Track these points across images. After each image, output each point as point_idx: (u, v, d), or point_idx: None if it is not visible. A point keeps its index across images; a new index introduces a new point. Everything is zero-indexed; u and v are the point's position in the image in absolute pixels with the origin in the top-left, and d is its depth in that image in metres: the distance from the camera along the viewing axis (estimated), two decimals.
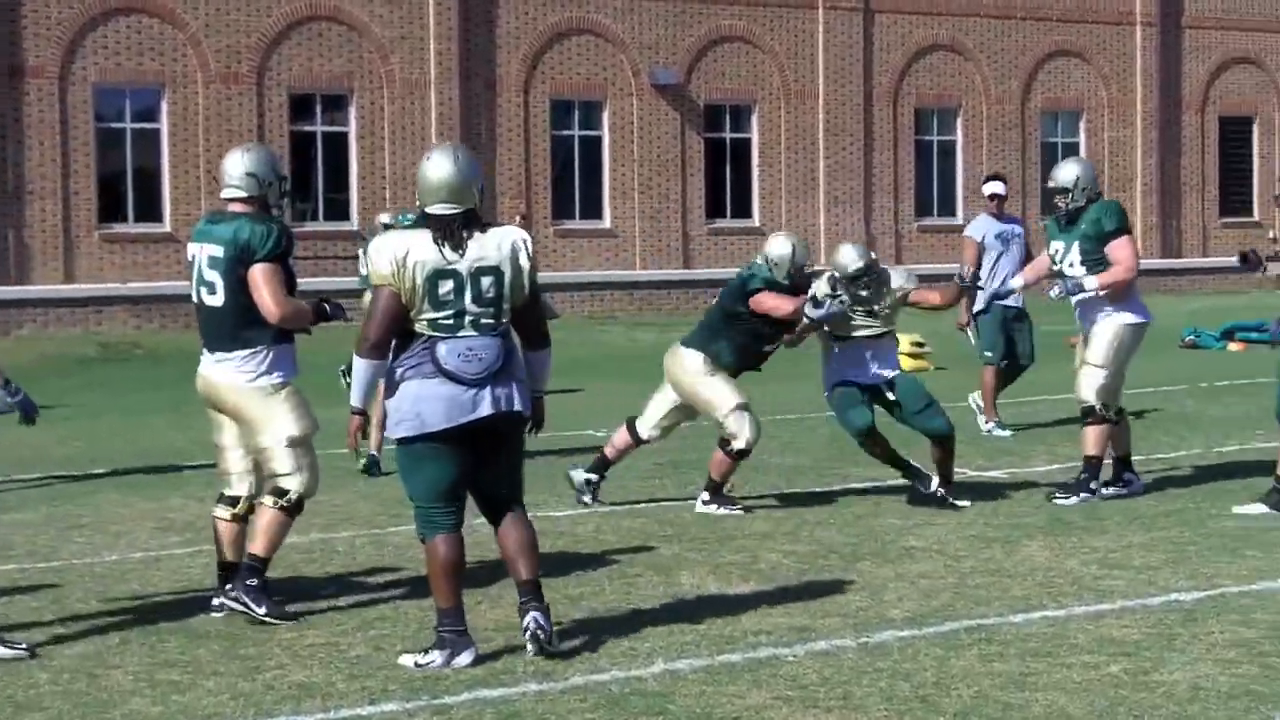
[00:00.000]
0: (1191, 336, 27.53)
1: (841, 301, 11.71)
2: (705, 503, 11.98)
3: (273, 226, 8.89)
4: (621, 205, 35.76)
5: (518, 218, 33.62)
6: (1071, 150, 40.37)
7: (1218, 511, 11.61)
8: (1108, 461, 12.58)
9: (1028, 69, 40.36)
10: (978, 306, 15.48)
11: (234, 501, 9.09)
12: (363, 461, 14.20)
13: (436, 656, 7.84)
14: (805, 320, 11.74)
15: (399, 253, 7.77)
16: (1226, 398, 19.07)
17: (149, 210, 31.87)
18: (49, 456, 15.54)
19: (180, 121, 31.95)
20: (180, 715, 7.23)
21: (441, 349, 7.77)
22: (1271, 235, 43.26)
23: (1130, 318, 12.13)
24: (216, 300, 8.89)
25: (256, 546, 8.96)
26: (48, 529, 11.91)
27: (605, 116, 35.95)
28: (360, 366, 7.95)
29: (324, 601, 9.41)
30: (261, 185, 9.03)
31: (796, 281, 11.93)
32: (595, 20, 35.63)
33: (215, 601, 9.09)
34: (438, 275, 7.73)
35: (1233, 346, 27.11)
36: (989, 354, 16.26)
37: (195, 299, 8.99)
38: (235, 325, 8.87)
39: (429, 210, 7.87)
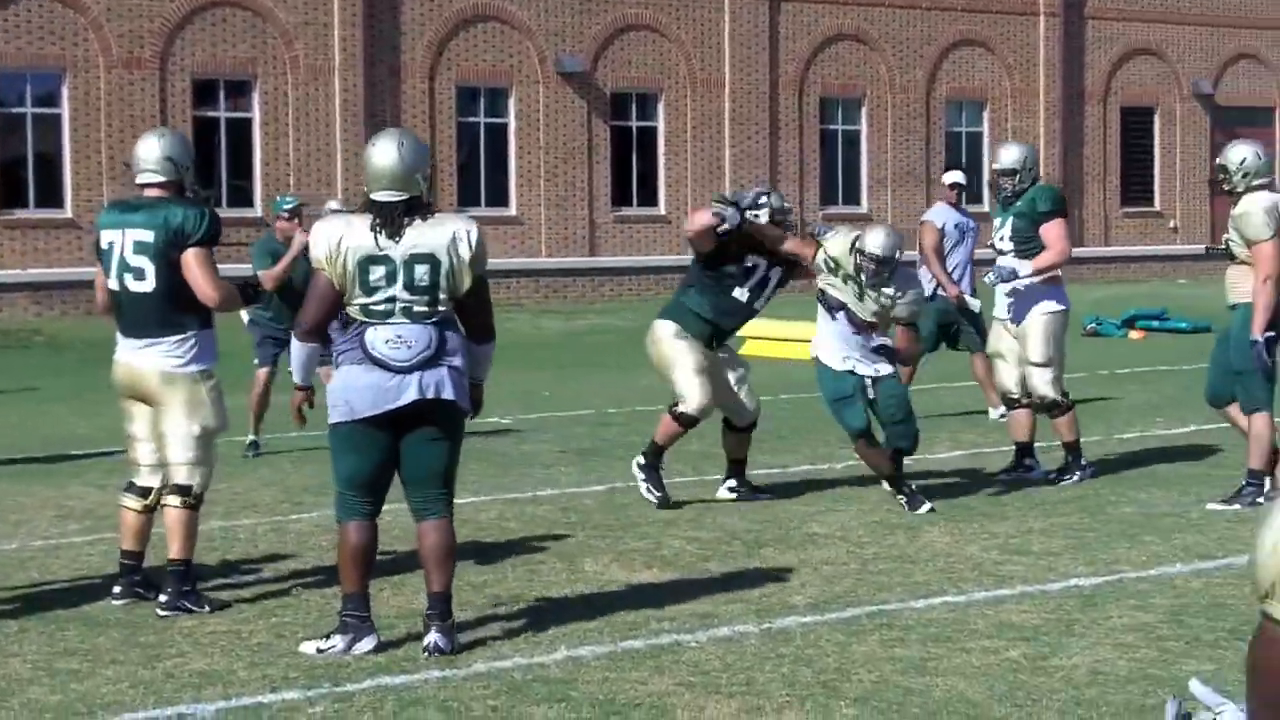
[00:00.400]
0: (1093, 325, 27.77)
1: (756, 208, 11.44)
2: (640, 465, 11.76)
3: (204, 210, 8.89)
4: (527, 193, 35.71)
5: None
6: (975, 140, 40.66)
7: (1117, 498, 11.73)
8: (1010, 449, 12.70)
9: (932, 59, 40.55)
10: (927, 293, 15.12)
11: (145, 492, 9.01)
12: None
13: (338, 642, 7.82)
14: (716, 219, 11.42)
15: (334, 238, 7.74)
16: (1127, 385, 19.25)
17: (50, 196, 31.55)
18: None
19: (82, 107, 31.65)
20: (79, 704, 7.17)
21: (370, 334, 7.72)
22: (1172, 225, 43.70)
23: (1053, 305, 12.39)
24: (145, 286, 8.77)
25: (177, 551, 8.86)
26: None
27: (511, 104, 35.87)
28: (296, 348, 8.08)
29: (225, 589, 9.36)
30: (179, 170, 8.97)
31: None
32: (501, 7, 35.54)
33: (117, 589, 9.02)
34: (369, 261, 7.68)
35: (1133, 335, 27.39)
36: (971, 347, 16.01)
37: (116, 286, 8.83)
38: (166, 310, 8.80)
39: (373, 196, 7.81)
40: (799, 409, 16.98)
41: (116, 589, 9.02)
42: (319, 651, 7.79)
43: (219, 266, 8.94)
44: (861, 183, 39.49)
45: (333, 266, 7.73)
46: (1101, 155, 42.88)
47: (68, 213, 31.51)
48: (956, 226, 16.29)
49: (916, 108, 40.21)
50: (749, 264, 11.76)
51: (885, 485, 11.62)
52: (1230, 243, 11.37)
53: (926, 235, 16.08)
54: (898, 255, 11.33)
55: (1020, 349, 12.42)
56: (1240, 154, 11.45)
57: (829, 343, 11.65)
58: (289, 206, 15.10)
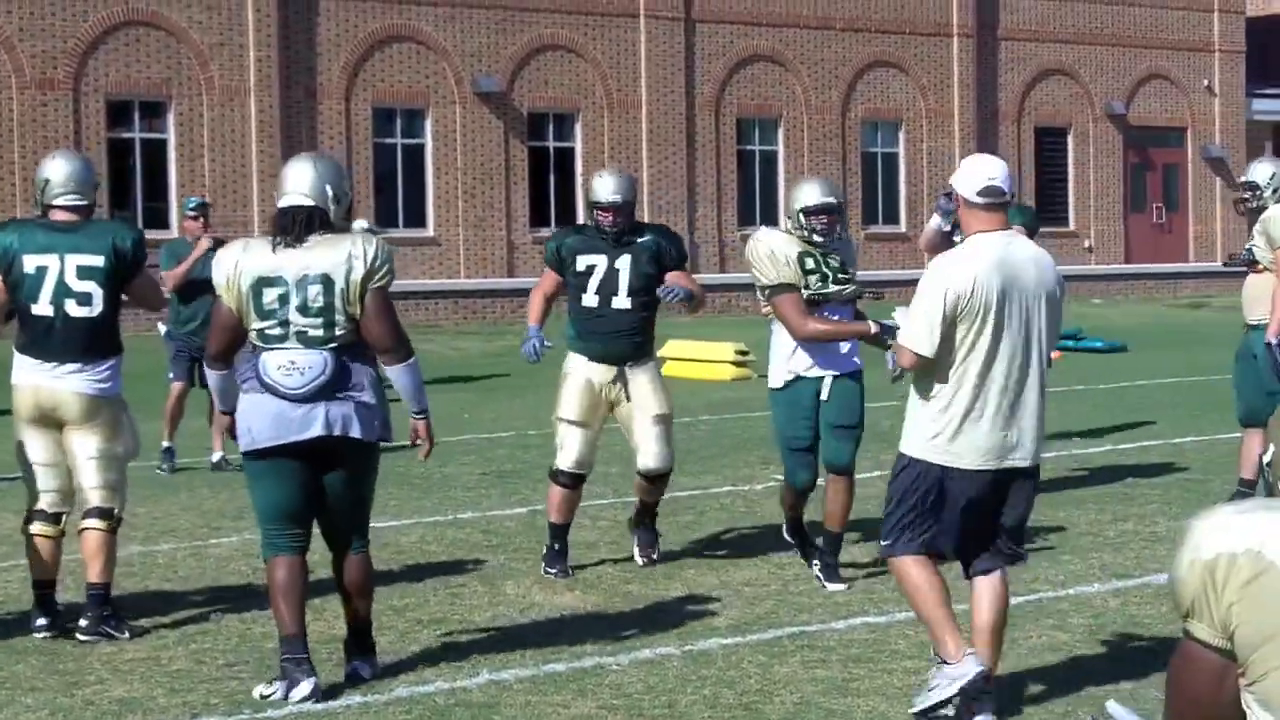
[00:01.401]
0: None
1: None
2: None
3: (140, 232, 9.04)
4: (445, 213, 35.66)
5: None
6: (891, 160, 40.88)
7: (1035, 517, 11.79)
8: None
9: (847, 79, 40.75)
10: None
11: (56, 519, 8.94)
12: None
13: (278, 688, 7.53)
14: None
15: (230, 263, 7.59)
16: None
17: None
18: None
19: None
20: None
21: (264, 360, 7.53)
22: (1087, 244, 44.04)
23: None
24: (89, 311, 8.73)
25: (98, 574, 8.81)
26: None
27: (428, 124, 35.83)
28: (210, 376, 7.97)
29: (144, 616, 9.30)
30: (94, 192, 8.98)
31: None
32: (416, 28, 35.50)
33: (41, 621, 8.89)
34: (262, 283, 7.49)
35: (1053, 355, 27.50)
36: None
37: (48, 311, 8.71)
38: (103, 335, 8.82)
39: (279, 204, 7.64)
40: (719, 430, 17.04)
41: (41, 620, 8.90)
42: (262, 698, 7.52)
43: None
44: (778, 203, 39.62)
45: (230, 291, 7.58)
46: (1016, 175, 43.10)
47: None
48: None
49: (832, 128, 40.40)
50: (583, 266, 10.27)
51: (796, 551, 10.22)
52: (1254, 249, 11.57)
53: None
54: (835, 200, 9.85)
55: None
56: (1268, 170, 11.99)
57: (779, 364, 9.87)
58: (194, 206, 15.28)
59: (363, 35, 34.85)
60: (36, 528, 8.93)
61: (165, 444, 14.98)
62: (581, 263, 10.19)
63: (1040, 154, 43.72)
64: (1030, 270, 7.15)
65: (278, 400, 7.48)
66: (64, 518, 8.95)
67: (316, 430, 7.46)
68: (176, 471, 14.81)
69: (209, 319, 14.56)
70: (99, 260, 8.73)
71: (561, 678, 7.77)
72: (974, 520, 7.12)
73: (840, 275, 9.68)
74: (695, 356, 24.59)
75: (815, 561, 9.86)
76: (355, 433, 7.51)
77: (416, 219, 35.64)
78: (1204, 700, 3.49)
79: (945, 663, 6.97)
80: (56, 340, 8.75)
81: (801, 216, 9.71)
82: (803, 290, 9.56)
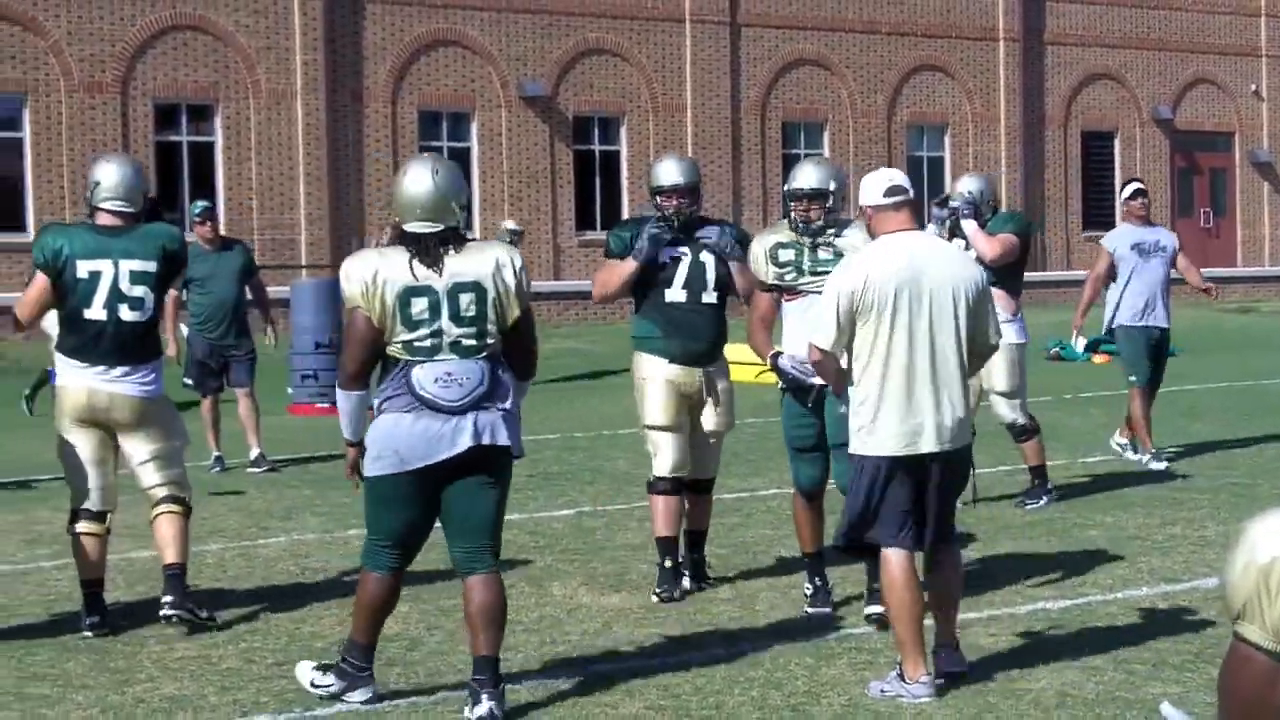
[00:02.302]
0: (1056, 349, 27.88)
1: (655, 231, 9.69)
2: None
3: (184, 236, 9.21)
4: (491, 217, 35.69)
5: (388, 230, 33.45)
6: (937, 164, 40.81)
7: (1083, 521, 11.78)
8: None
9: (893, 83, 40.70)
10: (1108, 317, 14.66)
11: (102, 517, 9.01)
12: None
13: (334, 683, 7.40)
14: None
15: (368, 272, 7.13)
16: (1091, 409, 19.34)
17: (11, 219, 31.46)
18: None
19: (43, 130, 31.57)
20: None
21: (418, 373, 7.10)
22: None
23: (1015, 338, 12.62)
24: (141, 315, 8.85)
25: (176, 555, 8.92)
26: None
27: (474, 128, 35.90)
28: (341, 399, 7.38)
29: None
30: (142, 199, 9.06)
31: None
32: (462, 32, 35.58)
33: (94, 619, 8.93)
34: (409, 293, 7.08)
35: (1097, 359, 27.45)
36: (1133, 377, 14.60)
37: (101, 315, 8.79)
38: (150, 338, 8.98)
39: (406, 228, 7.24)
40: (767, 433, 17.03)
41: (91, 619, 8.94)
42: (313, 685, 7.43)
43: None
44: None
45: (370, 302, 7.09)
46: (1063, 180, 43.05)
47: (29, 236, 31.37)
48: (1134, 248, 14.57)
49: (878, 132, 40.34)
50: (666, 259, 9.80)
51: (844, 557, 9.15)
52: None
53: (1099, 261, 15.05)
54: (832, 187, 9.42)
55: (984, 379, 12.38)
56: None
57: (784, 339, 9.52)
58: (200, 210, 15.40)
59: (409, 39, 34.93)
60: (83, 526, 9.00)
61: (215, 453, 15.12)
62: (664, 254, 9.74)
63: (1087, 159, 43.58)
64: (939, 264, 7.56)
65: (425, 416, 7.09)
66: (109, 516, 9.02)
67: (466, 441, 7.11)
68: (226, 471, 14.96)
69: (230, 316, 14.86)
70: (151, 265, 8.84)
71: (609, 678, 7.77)
72: (908, 506, 7.56)
73: (821, 269, 8.96)
74: (743, 360, 24.56)
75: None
76: (503, 440, 7.19)
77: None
78: (1255, 703, 3.48)
79: (905, 677, 7.44)
80: (107, 344, 8.82)
81: (789, 201, 9.40)
82: (777, 281, 9.23)
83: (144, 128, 32.47)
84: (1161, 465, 14.24)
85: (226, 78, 33.21)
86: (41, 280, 8.84)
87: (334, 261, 33.22)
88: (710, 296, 9.73)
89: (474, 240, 7.40)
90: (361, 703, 7.33)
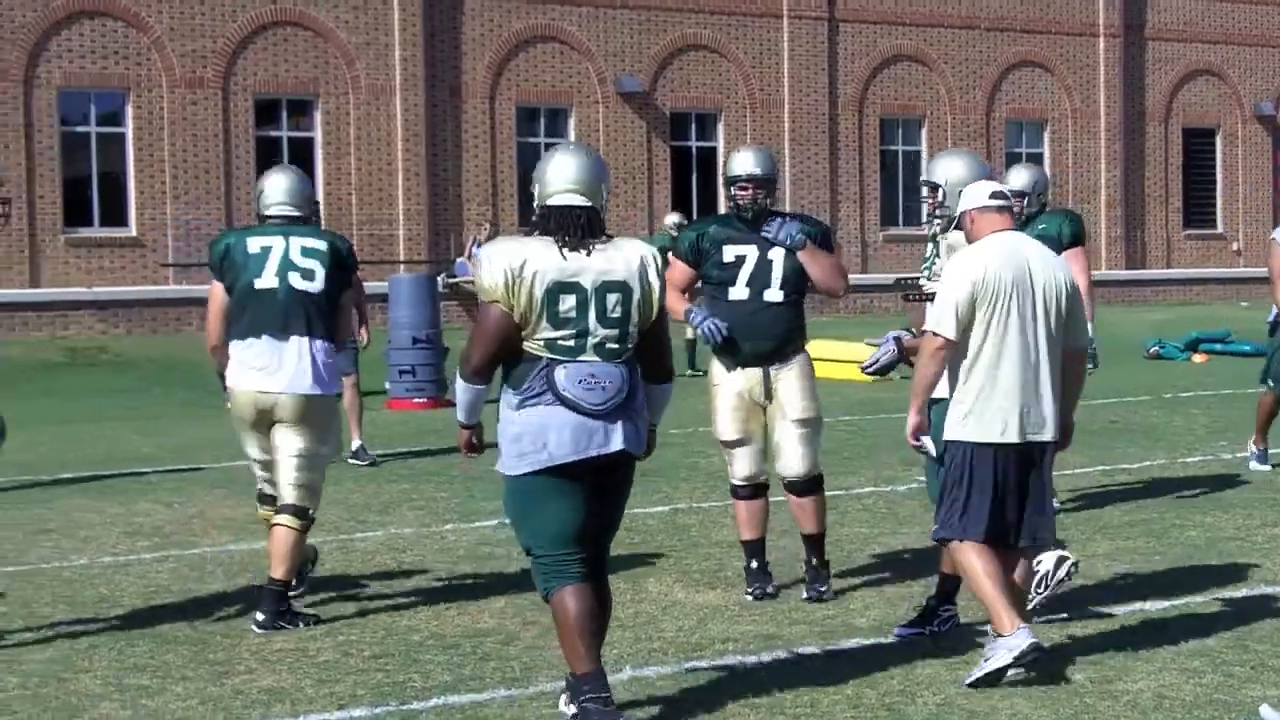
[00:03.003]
0: (1156, 348, 27.67)
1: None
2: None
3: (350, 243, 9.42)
4: None
5: (486, 226, 33.60)
6: (1036, 161, 40.53)
7: (1182, 522, 11.69)
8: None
9: (992, 79, 40.49)
10: (1275, 313, 13.83)
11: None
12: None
13: None
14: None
15: (514, 263, 6.79)
16: (1190, 409, 19.18)
17: (114, 214, 31.76)
18: (15, 461, 15.49)
19: (145, 125, 31.86)
20: (149, 719, 7.26)
21: (560, 374, 6.81)
22: (1235, 247, 43.47)
23: None
24: (312, 286, 9.06)
25: (283, 572, 9.00)
26: (14, 533, 11.88)
27: (571, 124, 35.98)
28: (461, 390, 7.02)
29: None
30: (311, 206, 9.39)
31: None
32: (560, 28, 35.65)
33: (268, 616, 8.96)
34: (559, 289, 6.78)
35: (1196, 358, 27.24)
36: (1272, 383, 13.91)
37: (274, 284, 8.99)
38: (326, 315, 9.11)
39: (552, 201, 6.94)
40: (861, 429, 17.00)
41: (267, 615, 8.96)
42: None
43: None
44: (921, 204, 39.34)
45: (513, 296, 6.77)
46: (1163, 177, 42.70)
47: (132, 231, 31.71)
48: None
49: (977, 128, 40.14)
50: (731, 257, 9.51)
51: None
52: None
53: (1273, 255, 13.69)
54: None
55: None
56: None
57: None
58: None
59: (507, 35, 35.03)
60: (278, 518, 9.16)
61: (358, 443, 15.40)
62: (729, 253, 9.41)
63: (1188, 155, 43.20)
64: (1040, 262, 7.85)
65: (572, 413, 6.81)
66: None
67: (618, 443, 6.86)
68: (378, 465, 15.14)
69: None
70: (321, 244, 9.11)
71: (703, 674, 7.77)
72: (1005, 495, 7.77)
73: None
74: (836, 357, 24.51)
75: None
76: (637, 450, 6.99)
77: None
78: None
79: (1000, 635, 7.56)
80: (279, 313, 8.98)
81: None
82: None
83: (244, 123, 32.72)
84: (1265, 467, 14.03)
85: (326, 73, 33.42)
86: (217, 290, 9.20)
87: (431, 257, 33.38)
88: (775, 294, 9.37)
89: (616, 236, 7.12)
90: None
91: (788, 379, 9.43)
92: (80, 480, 14.55)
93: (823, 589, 9.40)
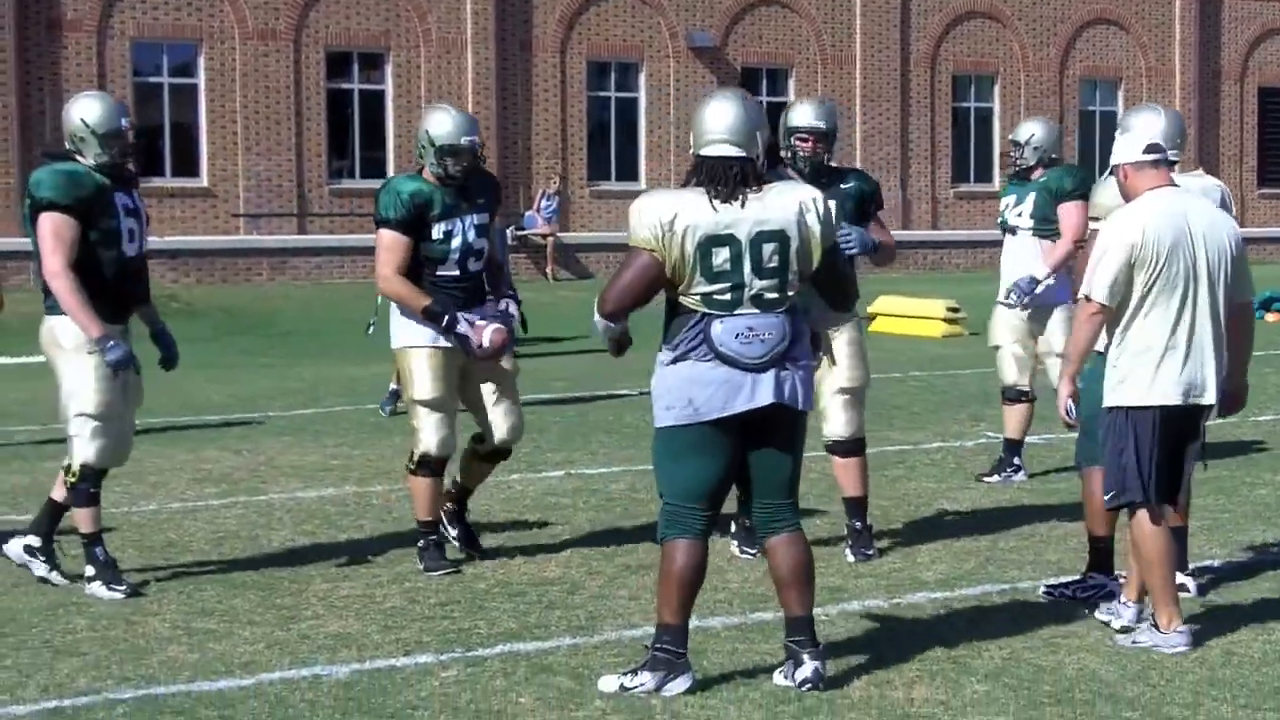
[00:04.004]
0: None
1: None
2: None
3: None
4: (657, 167, 35.71)
5: (555, 179, 33.62)
6: (1110, 119, 40.26)
7: (1252, 480, 11.61)
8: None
9: (1066, 36, 40.19)
10: None
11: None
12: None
13: (648, 679, 6.77)
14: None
15: (665, 215, 6.65)
16: (1262, 369, 19.00)
17: (186, 165, 31.88)
18: None
19: (217, 77, 31.96)
20: (217, 663, 7.28)
21: (717, 328, 6.67)
22: None
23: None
24: (481, 265, 9.21)
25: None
26: None
27: (642, 78, 35.90)
28: (604, 328, 6.96)
29: (359, 554, 9.46)
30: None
31: None
32: None
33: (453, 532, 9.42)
34: (711, 242, 6.63)
35: (1269, 317, 27.02)
36: None
37: (456, 271, 9.07)
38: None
39: (704, 152, 6.79)
40: (930, 385, 16.92)
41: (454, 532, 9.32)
42: (623, 689, 6.77)
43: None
44: (993, 161, 39.19)
45: (665, 249, 6.64)
46: (1238, 135, 42.33)
47: (203, 181, 31.83)
48: None
49: (1050, 86, 39.86)
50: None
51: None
52: None
53: None
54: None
55: (1034, 340, 11.69)
56: None
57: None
58: None
59: None
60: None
61: (393, 386, 15.28)
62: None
63: (1263, 115, 42.79)
64: (1204, 217, 7.54)
65: (722, 367, 6.68)
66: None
67: (767, 396, 6.69)
68: (396, 415, 15.06)
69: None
70: (485, 218, 9.25)
71: (768, 626, 7.75)
72: (1168, 457, 7.51)
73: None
74: (907, 313, 24.44)
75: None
76: (799, 404, 6.81)
77: (629, 172, 35.75)
78: None
79: (1156, 627, 7.44)
80: (455, 298, 9.06)
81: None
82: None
83: (316, 75, 32.77)
84: None
85: (397, 26, 33.43)
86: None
87: (501, 210, 33.35)
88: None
89: (777, 181, 6.94)
90: (683, 691, 6.76)
91: (838, 343, 9.34)
92: (150, 430, 14.62)
93: (869, 551, 9.32)
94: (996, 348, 11.95)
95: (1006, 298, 11.62)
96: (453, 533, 9.36)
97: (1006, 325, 11.82)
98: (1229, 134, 42.13)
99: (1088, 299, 7.44)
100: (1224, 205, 8.56)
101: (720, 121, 6.80)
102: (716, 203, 6.66)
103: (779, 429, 6.82)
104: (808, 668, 6.77)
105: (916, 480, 11.76)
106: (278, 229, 31.88)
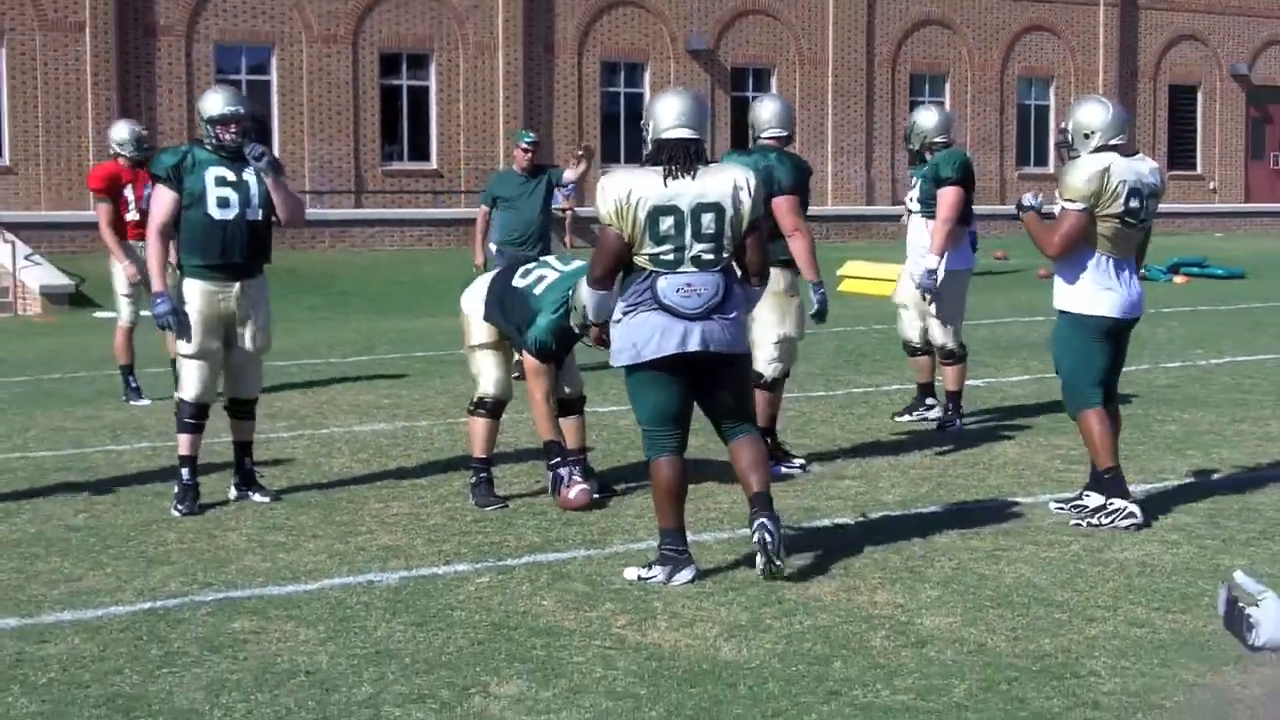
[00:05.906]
0: (1142, 270, 27.34)
1: None
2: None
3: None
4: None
5: (580, 150, 33.47)
6: (1043, 112, 40.12)
7: (1163, 418, 11.55)
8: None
9: (1006, 41, 39.98)
10: None
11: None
12: None
13: (659, 572, 6.98)
14: None
15: (621, 193, 6.89)
16: (1170, 322, 18.97)
17: None
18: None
19: (288, 75, 31.81)
20: (286, 571, 7.26)
21: (662, 283, 6.89)
22: (1212, 186, 42.95)
23: (956, 264, 11.18)
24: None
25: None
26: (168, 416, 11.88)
27: (647, 76, 35.73)
28: (588, 294, 7.20)
29: (407, 479, 9.42)
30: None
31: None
32: None
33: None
34: (658, 211, 6.85)
35: (1177, 279, 26.98)
36: None
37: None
38: None
39: (667, 135, 6.98)
40: (889, 337, 16.85)
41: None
42: (640, 579, 6.97)
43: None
44: None
45: (622, 221, 6.88)
46: (1152, 127, 42.15)
47: None
48: None
49: (992, 84, 39.67)
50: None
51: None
52: None
53: None
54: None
55: (923, 302, 11.29)
56: None
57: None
58: (528, 141, 14.28)
59: None
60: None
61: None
62: None
63: (1173, 109, 42.65)
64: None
65: (663, 317, 6.88)
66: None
67: (695, 345, 6.88)
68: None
69: (537, 232, 14.18)
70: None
71: (752, 541, 7.70)
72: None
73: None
74: (871, 275, 24.36)
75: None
76: (727, 349, 6.99)
77: (636, 156, 35.47)
78: None
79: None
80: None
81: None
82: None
83: (370, 74, 32.62)
84: None
85: (440, 31, 33.26)
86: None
87: None
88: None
89: (715, 163, 7.14)
90: (689, 580, 6.94)
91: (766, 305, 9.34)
92: None
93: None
94: (903, 306, 11.65)
95: (920, 290, 11.11)
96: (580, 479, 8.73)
97: (907, 291, 11.57)
98: (1144, 125, 41.92)
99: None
100: (1160, 182, 8.57)
101: (677, 111, 7.01)
102: (669, 180, 6.89)
103: (719, 369, 7.02)
104: (758, 525, 6.96)
105: (878, 417, 11.71)
106: (338, 204, 31.77)
